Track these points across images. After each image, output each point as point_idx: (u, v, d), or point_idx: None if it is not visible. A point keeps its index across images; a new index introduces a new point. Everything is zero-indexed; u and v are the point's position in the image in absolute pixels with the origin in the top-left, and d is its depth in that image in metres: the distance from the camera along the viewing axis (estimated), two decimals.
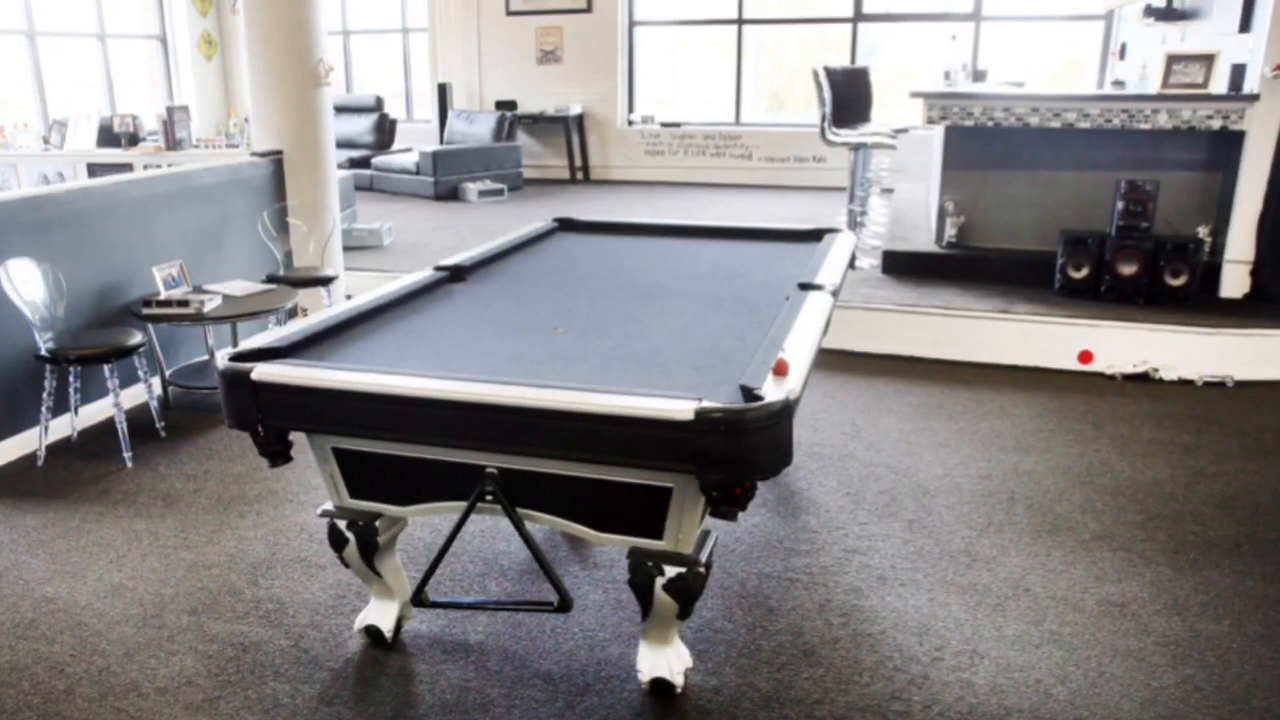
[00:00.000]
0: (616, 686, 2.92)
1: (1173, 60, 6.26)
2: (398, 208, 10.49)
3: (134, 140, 9.48)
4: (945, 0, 10.98)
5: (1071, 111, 6.30)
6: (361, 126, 12.38)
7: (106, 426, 4.93)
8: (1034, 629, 3.21)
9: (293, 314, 5.23)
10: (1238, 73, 6.20)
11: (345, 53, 13.71)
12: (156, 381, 5.26)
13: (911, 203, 8.94)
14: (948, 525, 3.91)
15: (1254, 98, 5.97)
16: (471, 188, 10.95)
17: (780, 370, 2.54)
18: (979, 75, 9.41)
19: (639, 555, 2.64)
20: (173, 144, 8.99)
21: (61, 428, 4.83)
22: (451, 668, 3.01)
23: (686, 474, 2.42)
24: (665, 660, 2.83)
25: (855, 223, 7.70)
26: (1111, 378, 5.67)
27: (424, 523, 3.89)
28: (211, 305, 4.97)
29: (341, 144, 11.45)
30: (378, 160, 11.87)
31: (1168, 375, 5.62)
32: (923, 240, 7.28)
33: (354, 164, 11.79)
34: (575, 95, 12.31)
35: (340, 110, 11.93)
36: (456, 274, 3.87)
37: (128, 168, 8.51)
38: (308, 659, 3.06)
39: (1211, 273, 6.25)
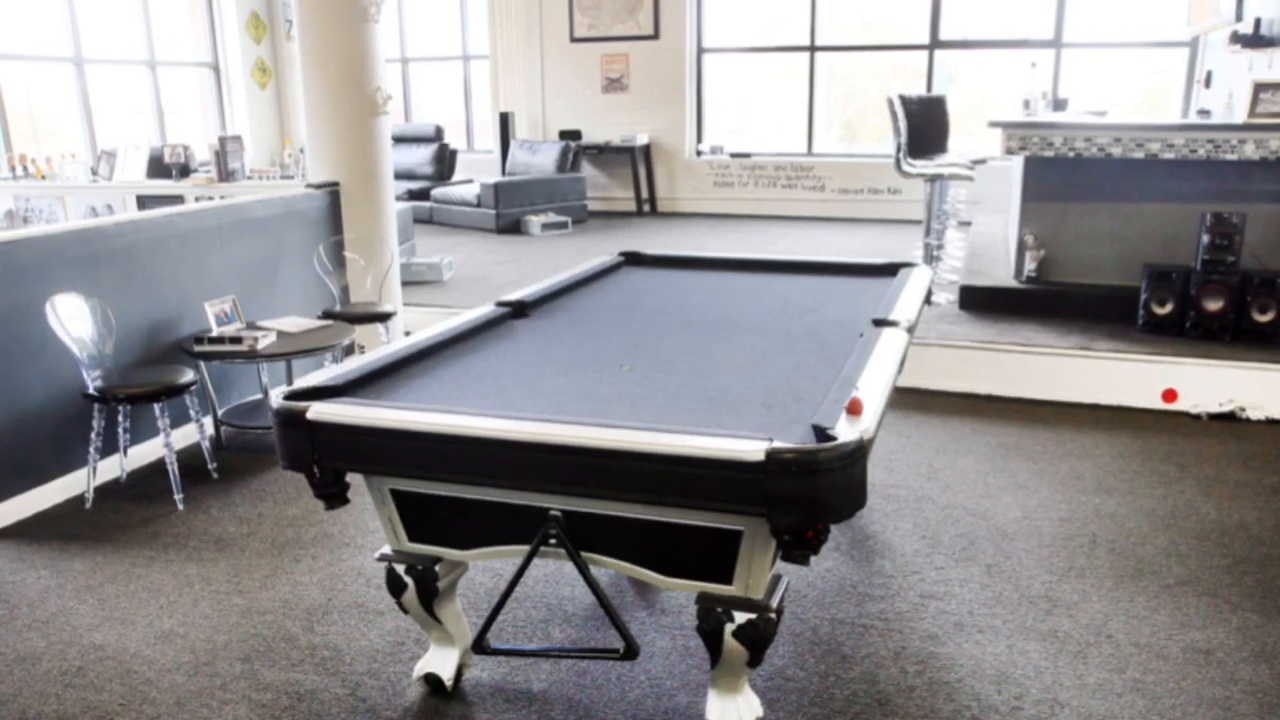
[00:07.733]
0: None
1: (1260, 88, 6.16)
2: (458, 241, 10.54)
3: (185, 171, 9.42)
4: (1025, 27, 10.83)
5: (1155, 142, 6.16)
6: (421, 157, 12.44)
7: (157, 467, 4.91)
8: (1116, 677, 3.13)
9: (349, 351, 5.21)
10: None
11: (404, 81, 13.81)
12: (208, 421, 5.21)
13: (990, 236, 8.84)
14: (1027, 569, 3.82)
15: None
16: (534, 220, 10.94)
17: (854, 409, 2.49)
18: (1059, 104, 9.30)
19: (708, 601, 2.59)
20: (225, 175, 8.95)
21: (110, 469, 4.78)
22: (514, 717, 2.94)
23: (757, 516, 2.38)
24: (735, 709, 2.76)
25: (931, 256, 7.61)
26: (1196, 417, 5.52)
27: (485, 567, 3.83)
28: (265, 342, 4.93)
29: (400, 175, 11.56)
30: (437, 192, 11.91)
31: (1255, 414, 5.47)
32: (1001, 275, 7.19)
33: (413, 196, 11.84)
34: (642, 125, 12.27)
35: (399, 140, 12.00)
36: (519, 309, 3.84)
37: (179, 200, 8.49)
38: (365, 708, 3.00)
39: None
